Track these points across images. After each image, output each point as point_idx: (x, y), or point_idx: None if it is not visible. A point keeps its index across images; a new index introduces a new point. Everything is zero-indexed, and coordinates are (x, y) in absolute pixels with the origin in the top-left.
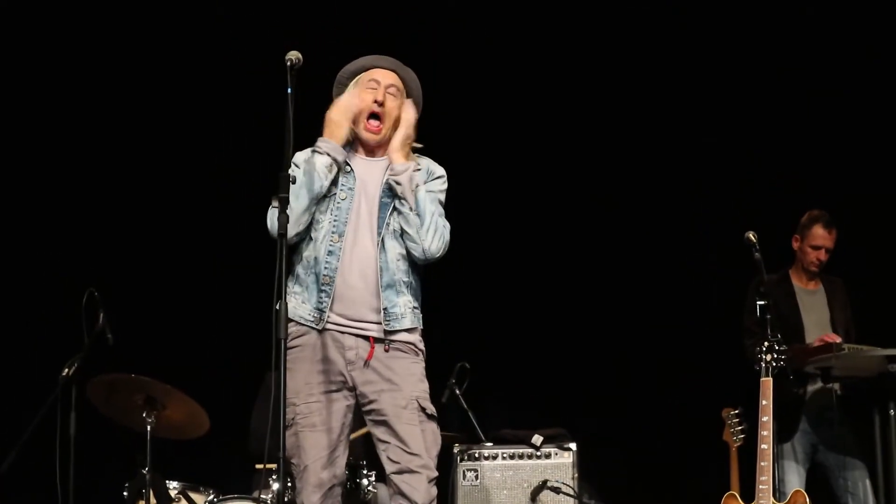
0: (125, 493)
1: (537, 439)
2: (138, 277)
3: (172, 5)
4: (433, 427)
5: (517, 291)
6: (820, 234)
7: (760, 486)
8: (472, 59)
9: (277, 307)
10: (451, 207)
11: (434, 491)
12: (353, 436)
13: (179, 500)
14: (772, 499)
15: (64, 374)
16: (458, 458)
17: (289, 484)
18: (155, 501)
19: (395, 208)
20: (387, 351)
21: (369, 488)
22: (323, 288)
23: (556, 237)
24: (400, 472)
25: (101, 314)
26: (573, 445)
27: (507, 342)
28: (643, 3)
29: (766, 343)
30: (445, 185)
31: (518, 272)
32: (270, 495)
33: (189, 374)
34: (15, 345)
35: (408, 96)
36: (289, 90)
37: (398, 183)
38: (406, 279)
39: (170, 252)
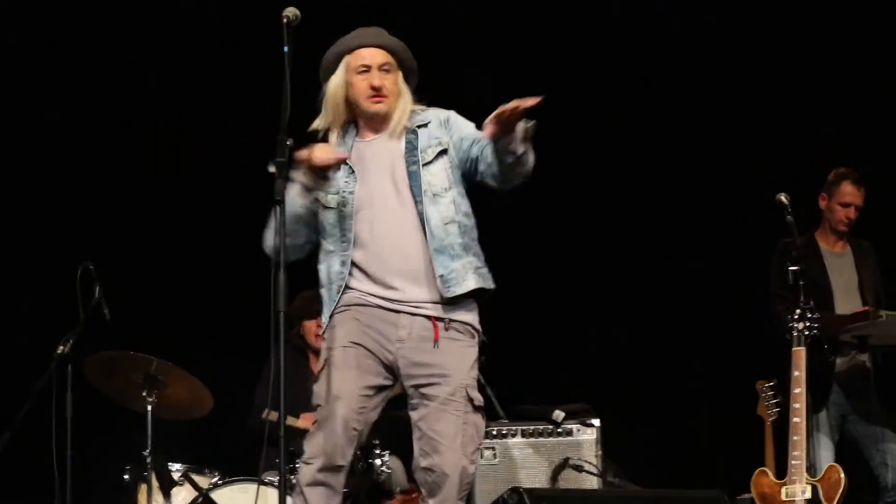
0: (126, 477)
1: (558, 415)
2: (136, 250)
3: None
4: (476, 419)
5: (538, 260)
6: (849, 191)
7: (793, 462)
8: (477, 39)
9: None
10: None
11: (463, 493)
12: None
13: (183, 482)
14: (805, 474)
15: (59, 351)
16: None
17: (296, 465)
18: (157, 485)
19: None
20: (447, 330)
21: (383, 468)
22: (335, 300)
23: (581, 208)
24: (430, 469)
25: (97, 288)
26: (597, 421)
27: (527, 313)
28: None
29: (797, 311)
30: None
31: (538, 241)
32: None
33: (191, 351)
34: (7, 321)
35: (400, 66)
36: (285, 49)
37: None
38: (460, 241)
39: (168, 222)
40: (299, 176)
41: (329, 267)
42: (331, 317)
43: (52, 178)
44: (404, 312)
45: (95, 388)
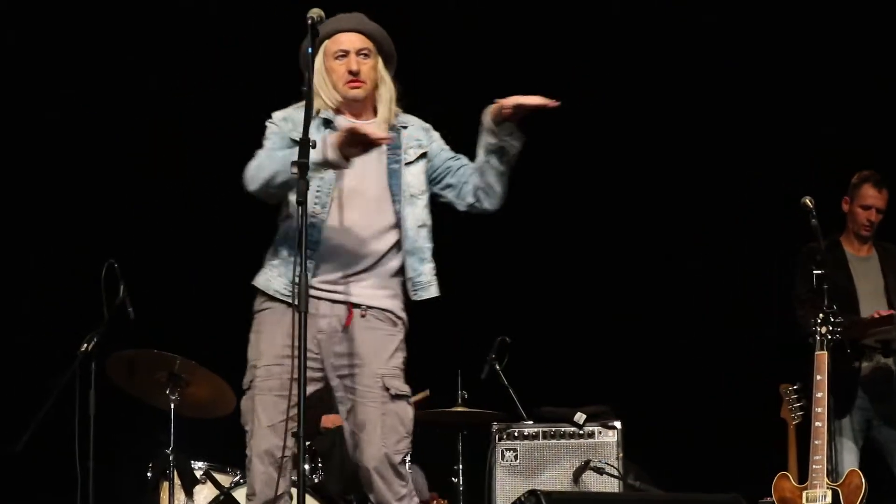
0: (148, 475)
1: (580, 417)
2: (160, 248)
3: None
4: (397, 408)
5: (561, 261)
6: (870, 194)
7: (814, 466)
8: (477, 38)
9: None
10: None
11: (400, 483)
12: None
13: (205, 481)
14: (826, 479)
15: (82, 349)
16: (497, 436)
17: (319, 464)
18: (179, 483)
19: (394, 174)
20: (363, 317)
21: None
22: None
23: (604, 204)
24: (358, 465)
25: (122, 286)
26: (618, 424)
27: (549, 314)
28: None
29: (821, 315)
30: None
31: (561, 242)
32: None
33: (214, 350)
34: (32, 318)
35: (380, 52)
36: (309, 50)
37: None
38: (428, 245)
39: (193, 221)
40: (331, 152)
41: (291, 227)
42: (259, 311)
43: (78, 176)
44: (325, 300)
45: (119, 387)
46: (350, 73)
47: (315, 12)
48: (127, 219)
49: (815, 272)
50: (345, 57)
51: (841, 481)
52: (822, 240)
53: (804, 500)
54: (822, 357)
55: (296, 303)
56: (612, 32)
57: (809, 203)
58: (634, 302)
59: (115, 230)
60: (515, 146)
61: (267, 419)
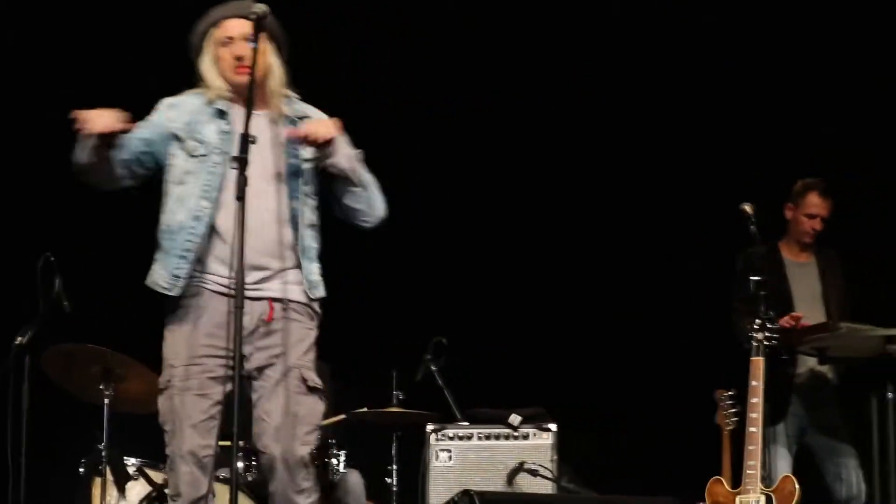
0: (81, 470)
1: (515, 419)
2: (97, 241)
3: None
4: (310, 401)
5: (499, 264)
6: (815, 203)
7: (748, 472)
8: (478, 36)
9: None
10: (433, 180)
11: (303, 478)
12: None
13: (137, 477)
14: (759, 484)
15: (17, 342)
16: (431, 437)
17: (253, 462)
18: (112, 479)
19: (298, 171)
20: (285, 310)
21: (338, 467)
22: (183, 255)
23: (540, 209)
24: (263, 452)
25: (58, 280)
26: (553, 426)
27: (486, 316)
28: None
29: (757, 321)
30: None
31: (499, 244)
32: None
33: (151, 345)
34: None
35: (270, 39)
36: (254, 45)
37: (342, 167)
38: (315, 245)
39: (130, 214)
40: (85, 138)
41: (176, 218)
42: (170, 310)
43: (12, 167)
44: (246, 298)
45: (54, 381)
46: (236, 59)
47: (260, 8)
48: (64, 212)
49: (751, 278)
50: (232, 43)
51: (774, 487)
52: (760, 245)
53: None
54: (758, 363)
55: (175, 294)
56: (611, 32)
57: (748, 209)
58: (569, 304)
59: (52, 223)
60: (336, 167)
61: (189, 419)
